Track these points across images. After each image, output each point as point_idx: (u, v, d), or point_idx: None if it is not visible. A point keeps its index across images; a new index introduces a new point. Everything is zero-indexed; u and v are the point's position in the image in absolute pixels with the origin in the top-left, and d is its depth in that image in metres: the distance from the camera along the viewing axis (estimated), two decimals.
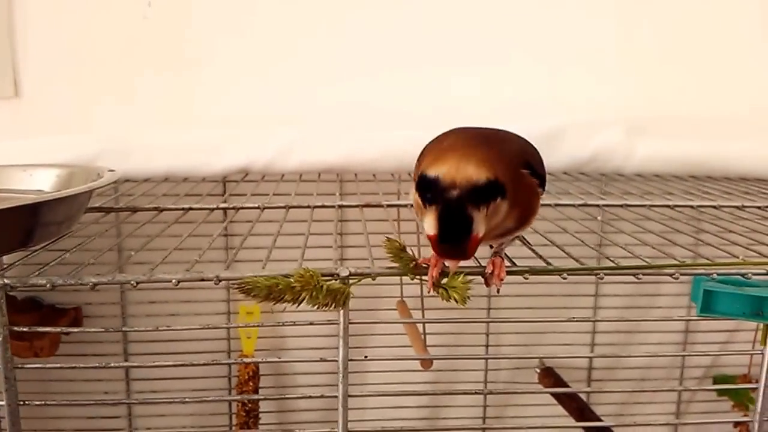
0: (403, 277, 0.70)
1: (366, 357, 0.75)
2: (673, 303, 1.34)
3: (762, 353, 0.71)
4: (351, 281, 0.66)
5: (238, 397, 1.24)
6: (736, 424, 1.29)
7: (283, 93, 1.27)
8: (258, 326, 1.26)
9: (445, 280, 0.65)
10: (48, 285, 0.66)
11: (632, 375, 1.40)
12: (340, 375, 0.69)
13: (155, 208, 0.95)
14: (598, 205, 1.03)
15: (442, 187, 0.57)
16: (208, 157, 1.16)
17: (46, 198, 0.72)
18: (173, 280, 0.67)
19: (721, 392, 1.32)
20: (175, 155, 1.15)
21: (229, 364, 1.31)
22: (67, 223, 0.79)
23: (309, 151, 1.17)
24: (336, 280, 0.66)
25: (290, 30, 1.26)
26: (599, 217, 1.10)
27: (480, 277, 0.68)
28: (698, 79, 1.31)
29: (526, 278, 0.71)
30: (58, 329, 0.94)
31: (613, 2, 1.29)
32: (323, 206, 0.98)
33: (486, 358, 1.37)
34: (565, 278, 0.71)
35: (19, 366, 0.68)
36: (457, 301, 0.64)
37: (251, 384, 1.24)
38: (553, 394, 1.21)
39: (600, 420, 1.15)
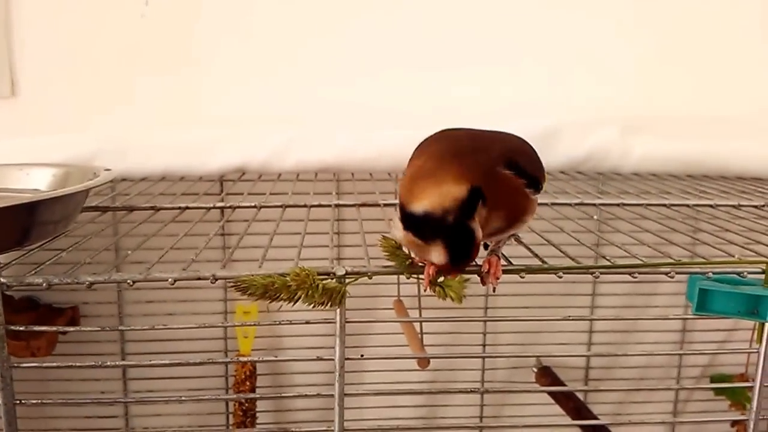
0: (400, 277, 0.70)
1: (362, 356, 0.75)
2: (670, 302, 1.34)
3: (758, 352, 0.71)
4: (347, 280, 0.66)
5: (235, 396, 1.24)
6: (734, 423, 1.29)
7: (281, 93, 1.27)
8: (255, 325, 1.26)
9: (441, 279, 0.65)
10: (44, 284, 0.65)
11: (629, 374, 1.40)
12: (337, 374, 0.69)
13: (152, 208, 0.95)
14: (594, 204, 1.03)
15: (436, 218, 0.57)
16: (205, 156, 1.16)
17: (42, 197, 0.72)
18: (170, 279, 0.67)
19: (718, 391, 1.32)
20: (172, 154, 1.15)
21: (226, 364, 1.31)
22: (64, 223, 0.79)
23: (306, 150, 1.17)
24: (332, 279, 0.66)
25: (288, 29, 1.26)
26: (596, 216, 1.10)
27: (476, 276, 0.68)
28: (695, 79, 1.32)
29: (522, 277, 0.71)
30: (55, 328, 0.94)
31: (611, 3, 1.29)
32: (320, 205, 0.98)
33: (483, 357, 1.37)
34: (560, 277, 0.71)
35: (16, 365, 0.68)
36: (453, 300, 0.64)
37: (248, 383, 1.24)
38: (550, 394, 1.21)
39: (597, 419, 1.15)
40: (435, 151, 0.64)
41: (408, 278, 0.70)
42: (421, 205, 0.57)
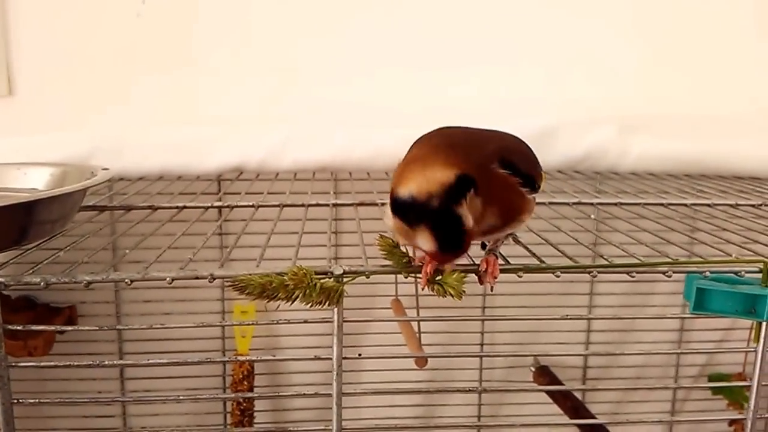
0: (398, 276, 0.70)
1: (360, 355, 0.75)
2: (668, 302, 1.34)
3: (755, 351, 0.71)
4: (345, 279, 0.66)
5: (233, 396, 1.24)
6: (731, 422, 1.29)
7: (278, 92, 1.27)
8: (252, 325, 1.26)
9: (439, 277, 0.65)
10: (42, 283, 0.65)
11: (627, 374, 1.40)
12: (334, 373, 0.69)
13: (149, 207, 0.95)
14: (592, 204, 1.03)
15: (421, 202, 0.57)
16: (202, 156, 1.16)
17: (39, 196, 0.72)
18: (167, 279, 0.67)
19: (716, 391, 1.32)
20: (169, 153, 1.15)
21: (224, 363, 1.31)
22: (61, 222, 0.79)
23: (303, 149, 1.17)
24: (330, 278, 0.66)
25: (285, 29, 1.26)
26: (593, 216, 1.10)
27: (474, 275, 0.68)
28: (693, 79, 1.32)
29: (520, 276, 0.71)
30: (53, 328, 0.94)
31: (608, 3, 1.29)
32: (317, 205, 0.98)
33: (481, 356, 1.37)
34: (558, 276, 0.71)
35: (13, 365, 0.68)
36: (453, 296, 0.64)
37: (246, 383, 1.25)
38: (548, 393, 1.21)
39: (595, 418, 1.15)
40: (429, 144, 0.64)
41: (406, 277, 0.70)
42: (406, 189, 0.57)
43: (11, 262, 0.75)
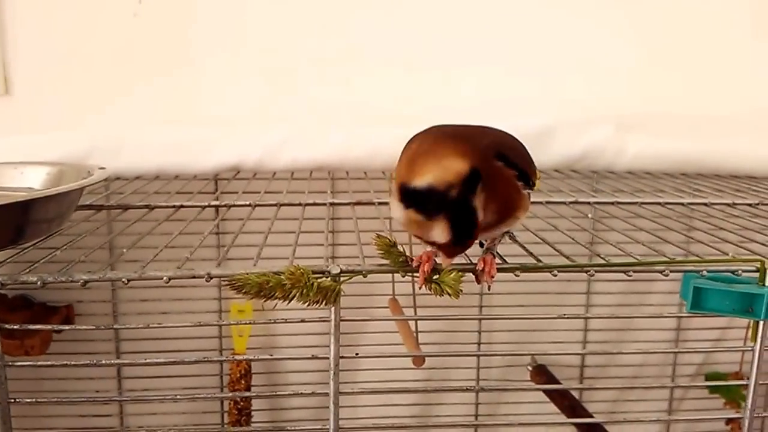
0: (395, 275, 0.70)
1: (357, 354, 0.75)
2: (665, 300, 1.34)
3: (752, 350, 0.71)
4: (342, 279, 0.66)
5: (230, 395, 1.24)
6: (728, 421, 1.30)
7: (275, 92, 1.27)
8: (250, 324, 1.26)
9: (436, 276, 0.65)
10: (39, 282, 0.65)
11: (624, 372, 1.40)
12: (331, 372, 0.69)
13: (146, 206, 0.95)
14: (589, 203, 1.03)
15: (440, 192, 0.56)
16: (199, 155, 1.16)
17: (36, 195, 0.72)
18: (164, 278, 0.67)
19: (713, 390, 1.32)
20: (167, 153, 1.15)
21: (221, 362, 1.31)
22: (58, 221, 0.79)
23: (300, 148, 1.17)
24: (327, 277, 0.65)
25: (282, 29, 1.26)
26: (590, 215, 1.10)
27: (471, 274, 0.68)
28: (689, 78, 1.32)
29: (517, 275, 0.71)
30: (50, 327, 0.94)
31: (604, 3, 1.29)
32: (314, 204, 0.98)
33: (478, 355, 1.37)
34: (555, 275, 0.71)
35: (10, 364, 0.68)
36: (450, 295, 0.63)
37: (243, 382, 1.25)
38: (545, 392, 1.21)
39: (592, 417, 1.15)
40: (432, 138, 0.63)
41: (403, 277, 0.70)
42: (423, 179, 0.56)
43: (8, 261, 0.75)
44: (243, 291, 0.62)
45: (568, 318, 0.82)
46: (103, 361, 0.84)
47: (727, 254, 0.77)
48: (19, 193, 0.80)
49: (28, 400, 0.70)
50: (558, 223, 0.96)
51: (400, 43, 1.27)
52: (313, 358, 0.73)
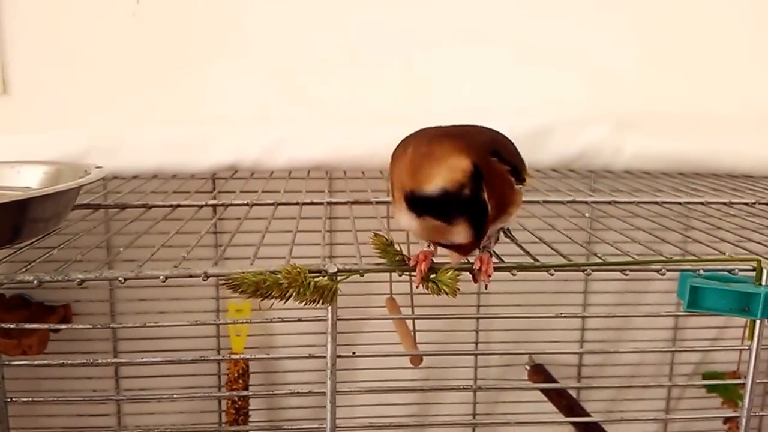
0: (393, 274, 0.70)
1: (354, 353, 0.75)
2: (662, 300, 1.34)
3: (749, 349, 0.71)
4: (339, 278, 0.66)
5: (227, 394, 1.24)
6: (726, 420, 1.30)
7: (273, 92, 1.27)
8: (247, 323, 1.26)
9: (433, 275, 0.65)
10: (35, 282, 0.65)
11: (622, 372, 1.40)
12: (328, 371, 0.69)
13: (144, 205, 0.95)
14: (586, 202, 1.03)
15: (454, 193, 0.56)
16: (197, 154, 1.15)
17: (33, 194, 0.72)
18: (161, 277, 0.67)
19: (710, 389, 1.32)
20: (164, 152, 1.15)
21: (219, 361, 1.31)
22: (55, 220, 0.78)
23: (298, 148, 1.16)
24: (324, 276, 0.65)
25: (281, 28, 1.25)
26: (588, 214, 1.10)
27: (468, 273, 0.68)
28: (687, 78, 1.32)
29: (515, 274, 0.71)
30: (47, 326, 0.94)
31: (603, 3, 1.29)
32: (312, 203, 0.98)
33: (476, 354, 1.37)
34: (552, 274, 0.71)
35: (7, 363, 0.68)
36: (447, 294, 0.63)
37: (241, 382, 1.25)
38: (543, 391, 1.21)
39: (589, 416, 1.15)
40: (421, 140, 0.62)
41: (400, 276, 0.70)
42: (434, 184, 0.56)
43: (5, 260, 0.75)
44: (240, 290, 0.62)
45: (565, 317, 0.82)
46: (101, 361, 0.84)
47: (725, 253, 0.77)
48: (15, 192, 0.80)
49: (26, 400, 0.70)
50: (555, 222, 0.95)
51: (400, 43, 1.27)
52: (311, 357, 0.73)
